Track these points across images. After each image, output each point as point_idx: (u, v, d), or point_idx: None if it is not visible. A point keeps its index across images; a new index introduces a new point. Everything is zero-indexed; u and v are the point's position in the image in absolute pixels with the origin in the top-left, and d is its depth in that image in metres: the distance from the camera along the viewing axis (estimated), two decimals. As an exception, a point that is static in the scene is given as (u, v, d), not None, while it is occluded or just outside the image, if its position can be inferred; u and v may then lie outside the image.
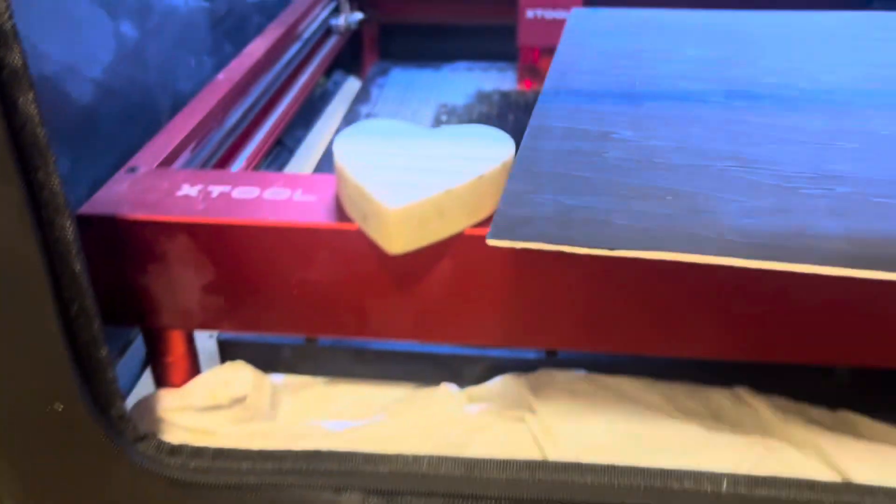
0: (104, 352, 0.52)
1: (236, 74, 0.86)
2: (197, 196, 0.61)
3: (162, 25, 0.80)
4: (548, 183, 0.54)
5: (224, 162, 0.84)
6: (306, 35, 1.10)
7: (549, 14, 1.11)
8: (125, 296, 0.62)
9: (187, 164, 0.74)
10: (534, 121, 0.63)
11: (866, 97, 0.67)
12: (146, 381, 0.70)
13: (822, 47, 0.78)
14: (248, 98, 0.89)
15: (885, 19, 0.86)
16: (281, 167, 1.09)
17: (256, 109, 0.92)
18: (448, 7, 1.31)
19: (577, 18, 0.89)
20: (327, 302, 0.61)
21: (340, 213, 0.59)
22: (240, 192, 0.62)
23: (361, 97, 1.18)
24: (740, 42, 0.80)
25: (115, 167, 0.66)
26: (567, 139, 0.60)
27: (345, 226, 0.57)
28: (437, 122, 1.09)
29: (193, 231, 0.59)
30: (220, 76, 0.84)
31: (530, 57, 1.16)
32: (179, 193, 0.62)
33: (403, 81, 1.23)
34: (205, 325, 0.63)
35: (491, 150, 0.58)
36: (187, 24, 0.86)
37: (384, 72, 1.28)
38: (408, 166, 0.56)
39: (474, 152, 0.58)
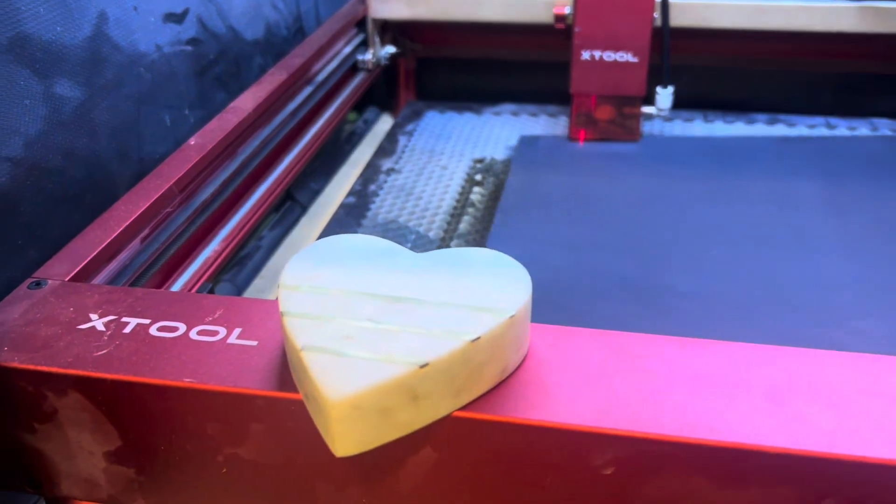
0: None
1: (215, 135, 0.70)
2: (104, 332, 0.46)
3: (120, 79, 0.66)
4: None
5: (195, 244, 0.69)
6: (321, 76, 0.94)
7: (609, 56, 0.92)
8: (14, 458, 0.47)
9: (131, 261, 0.59)
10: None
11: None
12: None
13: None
14: (232, 161, 0.74)
15: None
16: (290, 227, 0.94)
17: (246, 172, 0.77)
18: (494, 39, 1.14)
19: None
20: (266, 487, 0.45)
21: (286, 370, 0.42)
22: (161, 329, 0.46)
23: (387, 148, 1.02)
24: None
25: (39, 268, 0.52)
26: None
27: (288, 394, 0.41)
28: (470, 183, 0.92)
29: (88, 387, 0.43)
30: (192, 140, 0.69)
31: (586, 104, 0.98)
32: (83, 327, 0.46)
33: (437, 128, 1.06)
34: (114, 499, 0.48)
35: (495, 296, 0.41)
36: (159, 73, 0.71)
37: (417, 114, 1.11)
38: (371, 326, 0.39)
39: (471, 299, 0.41)
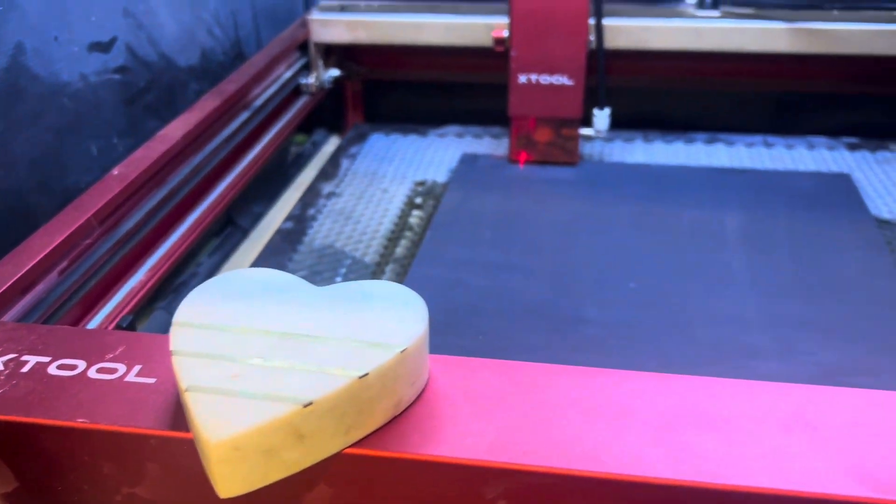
0: None
1: (140, 165, 0.70)
2: (2, 371, 0.45)
3: (39, 110, 0.65)
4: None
5: (120, 275, 0.68)
6: (259, 101, 0.94)
7: (545, 79, 0.93)
8: None
9: (47, 295, 0.58)
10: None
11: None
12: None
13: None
14: (160, 190, 0.74)
15: None
16: (230, 253, 0.94)
17: (176, 201, 0.76)
18: (439, 62, 1.15)
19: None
20: (166, 526, 0.44)
21: (180, 408, 0.42)
22: (60, 367, 0.45)
23: (328, 171, 1.02)
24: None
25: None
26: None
27: (181, 434, 0.41)
28: (409, 206, 0.92)
29: (-19, 428, 0.43)
30: (115, 170, 0.69)
31: (526, 126, 0.98)
32: (-20, 366, 0.46)
33: (381, 151, 1.07)
34: (15, 540, 0.47)
35: (388, 331, 0.41)
36: (84, 103, 0.71)
37: (362, 137, 1.11)
38: (260, 363, 0.39)
39: (364, 334, 0.41)
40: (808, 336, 0.68)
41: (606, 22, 0.97)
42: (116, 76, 0.76)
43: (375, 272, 0.80)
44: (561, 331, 0.70)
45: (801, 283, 0.75)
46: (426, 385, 0.44)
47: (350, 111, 1.22)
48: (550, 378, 0.44)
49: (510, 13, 0.92)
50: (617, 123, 1.07)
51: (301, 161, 1.16)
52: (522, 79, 0.95)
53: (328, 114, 1.23)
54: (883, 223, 0.85)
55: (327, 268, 0.80)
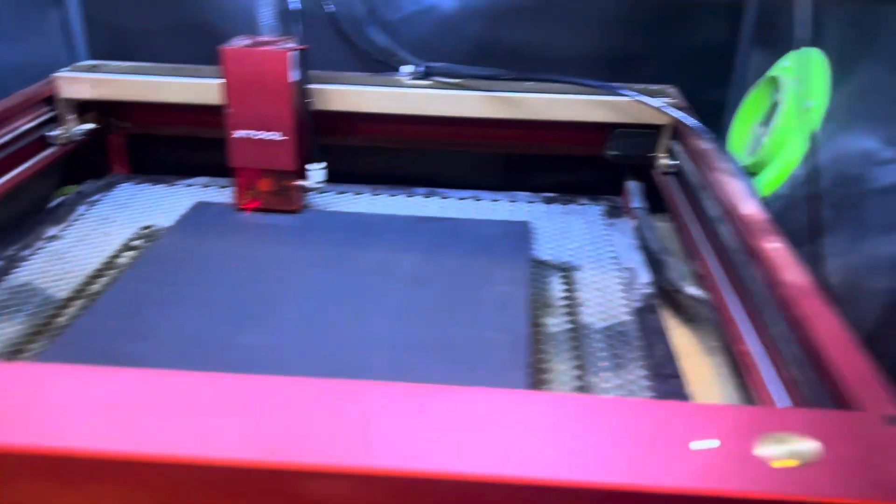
0: None
1: None
2: None
3: None
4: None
5: None
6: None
7: (260, 135, 1.03)
8: None
9: None
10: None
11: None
12: None
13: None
14: None
15: None
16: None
17: None
18: (196, 119, 1.23)
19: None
20: None
21: None
22: None
23: (60, 215, 1.08)
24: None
25: None
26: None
27: None
28: (125, 248, 0.99)
29: None
30: None
31: (251, 176, 1.07)
32: None
33: (122, 198, 1.14)
34: None
35: None
36: None
37: (110, 185, 1.18)
38: None
39: None
40: (418, 356, 0.78)
41: (323, 87, 1.09)
42: None
43: (63, 307, 0.86)
44: (213, 355, 0.77)
45: (438, 313, 0.85)
46: None
47: (115, 163, 1.28)
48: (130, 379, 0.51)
49: (224, 74, 1.01)
50: (351, 177, 1.18)
51: (63, 210, 1.21)
52: (240, 134, 1.04)
53: (95, 166, 1.29)
54: (539, 263, 0.98)
55: (15, 303, 0.86)
